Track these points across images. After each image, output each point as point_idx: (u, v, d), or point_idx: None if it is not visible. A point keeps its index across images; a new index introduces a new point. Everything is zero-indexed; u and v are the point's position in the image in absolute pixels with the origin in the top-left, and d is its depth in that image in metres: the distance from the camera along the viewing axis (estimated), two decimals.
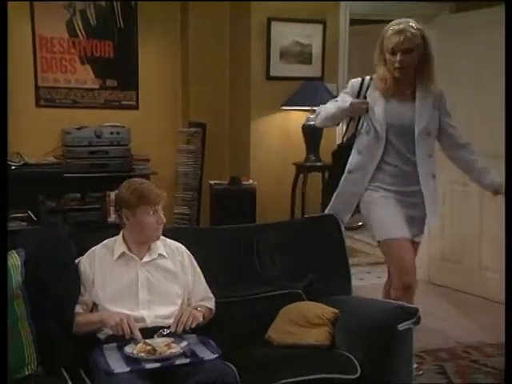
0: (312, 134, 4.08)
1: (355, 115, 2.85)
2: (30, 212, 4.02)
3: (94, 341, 2.25)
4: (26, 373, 2.14)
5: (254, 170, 4.24)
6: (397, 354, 2.28)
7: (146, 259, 2.38)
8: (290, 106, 4.09)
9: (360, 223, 7.21)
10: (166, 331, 2.20)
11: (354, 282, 4.85)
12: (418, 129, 2.74)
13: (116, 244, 2.40)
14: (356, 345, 2.32)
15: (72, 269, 2.35)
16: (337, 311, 2.47)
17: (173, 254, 2.45)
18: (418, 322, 2.29)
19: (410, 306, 2.34)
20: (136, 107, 4.48)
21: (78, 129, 4.07)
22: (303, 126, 4.10)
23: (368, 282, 5.04)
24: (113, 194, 4.22)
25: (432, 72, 2.74)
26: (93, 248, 2.40)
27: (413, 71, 2.73)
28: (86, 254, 2.39)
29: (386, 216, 2.81)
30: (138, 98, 4.48)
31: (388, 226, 2.80)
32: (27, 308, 2.20)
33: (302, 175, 4.11)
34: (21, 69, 4.13)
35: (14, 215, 3.97)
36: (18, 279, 2.18)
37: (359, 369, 2.22)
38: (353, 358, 2.26)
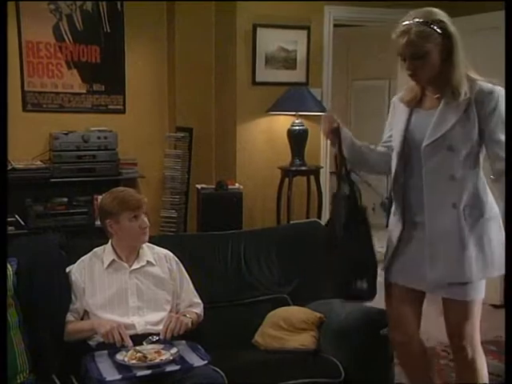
0: (297, 139, 4.15)
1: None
2: (17, 216, 4.04)
3: (85, 348, 2.30)
4: (18, 381, 2.18)
5: (240, 174, 4.30)
6: (379, 357, 2.36)
7: (134, 266, 2.44)
8: (275, 111, 4.16)
9: None
10: (154, 338, 2.26)
11: None
12: (427, 140, 2.07)
13: (105, 252, 2.45)
14: (340, 349, 2.40)
15: (63, 278, 2.40)
16: (322, 316, 2.54)
17: (161, 260, 2.51)
18: None
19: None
20: (123, 111, 4.51)
21: (66, 134, 4.10)
22: (288, 130, 4.17)
23: None
24: (100, 198, 4.27)
25: (458, 73, 2.03)
26: (83, 257, 2.45)
27: (436, 74, 2.07)
28: (77, 264, 2.44)
29: None
30: (124, 102, 4.51)
31: None
32: (19, 317, 2.25)
33: (287, 179, 4.18)
34: (8, 73, 4.13)
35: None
36: (10, 288, 2.23)
37: (343, 373, 2.30)
38: (337, 362, 2.35)
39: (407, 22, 2.01)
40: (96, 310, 2.34)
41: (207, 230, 3.67)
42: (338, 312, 2.53)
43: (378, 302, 2.30)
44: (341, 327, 2.45)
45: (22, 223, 4.05)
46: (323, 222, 4.60)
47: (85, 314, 2.40)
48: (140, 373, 2.06)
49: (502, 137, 1.98)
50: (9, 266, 2.27)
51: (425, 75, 2.06)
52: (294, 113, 4.14)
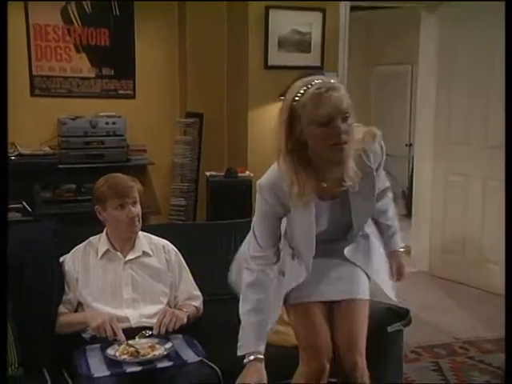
0: None
1: None
2: (24, 203, 3.98)
3: (79, 341, 2.20)
4: (7, 374, 2.11)
5: (251, 162, 4.16)
6: (386, 354, 2.23)
7: (129, 257, 2.33)
8: None
9: None
10: (148, 333, 2.16)
11: None
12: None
13: (100, 242, 2.35)
14: None
15: (56, 267, 2.31)
16: None
17: (158, 251, 2.40)
18: (408, 324, 2.23)
19: (401, 307, 2.28)
20: (133, 96, 4.42)
21: (73, 119, 4.02)
22: None
23: None
24: None
25: None
26: (77, 247, 2.36)
27: None
28: (71, 253, 2.34)
29: None
30: (134, 87, 4.41)
31: None
32: (9, 308, 2.16)
33: None
34: (15, 57, 4.04)
35: (8, 206, 3.93)
36: None
37: None
38: None
39: (328, 81, 1.71)
40: (89, 301, 2.25)
41: (216, 218, 3.57)
42: None
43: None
44: None
45: (30, 210, 3.99)
46: None
47: (79, 306, 2.30)
48: (130, 369, 1.96)
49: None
50: None
51: (351, 142, 1.73)
52: None
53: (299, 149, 1.72)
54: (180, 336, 2.21)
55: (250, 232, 1.97)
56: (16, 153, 3.89)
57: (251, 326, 1.88)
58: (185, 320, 2.23)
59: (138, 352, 2.02)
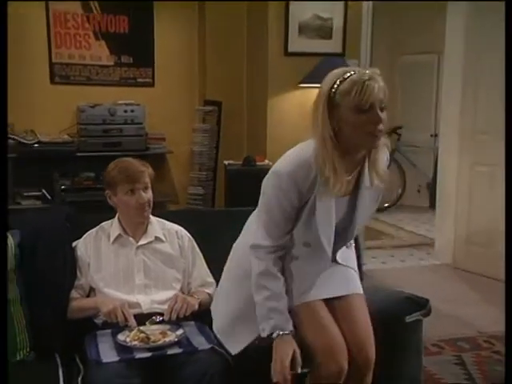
0: None
1: None
2: (44, 191, 3.99)
3: (91, 326, 2.18)
4: (18, 358, 2.08)
5: (271, 150, 4.10)
6: (405, 346, 2.16)
7: (141, 242, 2.30)
8: (308, 82, 3.92)
9: (386, 205, 7.12)
10: (158, 318, 2.13)
11: (376, 266, 4.83)
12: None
13: (112, 227, 2.32)
14: None
15: (68, 252, 2.28)
16: None
17: (171, 236, 2.36)
18: (428, 314, 2.15)
19: (421, 296, 2.20)
20: (152, 85, 4.39)
21: (92, 106, 4.01)
22: None
23: (391, 265, 4.91)
24: None
25: None
26: (89, 231, 2.33)
27: None
28: (83, 238, 2.32)
29: None
30: (153, 75, 4.38)
31: None
32: (21, 292, 2.15)
33: None
34: (35, 44, 4.08)
35: (28, 193, 3.96)
36: (11, 261, 2.12)
37: None
38: None
39: (367, 71, 1.73)
40: (101, 286, 2.22)
41: (234, 207, 3.51)
42: None
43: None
44: None
45: (49, 198, 4.00)
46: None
47: (91, 291, 2.28)
48: (139, 355, 1.92)
49: None
50: (10, 237, 2.17)
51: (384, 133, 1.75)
52: None
53: (334, 138, 1.72)
54: (192, 323, 2.17)
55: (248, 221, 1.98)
56: (35, 140, 3.88)
57: (273, 310, 1.84)
58: (196, 307, 2.19)
59: (148, 338, 1.99)
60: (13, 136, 3.86)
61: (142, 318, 2.13)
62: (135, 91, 4.31)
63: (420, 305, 2.15)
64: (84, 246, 2.29)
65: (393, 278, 4.41)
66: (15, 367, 2.02)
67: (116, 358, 1.90)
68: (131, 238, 2.30)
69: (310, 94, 4.09)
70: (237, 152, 4.18)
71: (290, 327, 1.84)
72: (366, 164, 1.81)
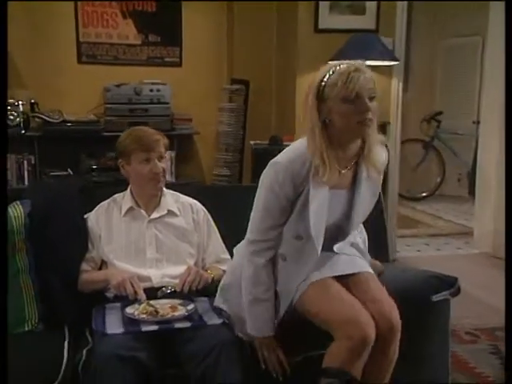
0: None
1: None
2: (70, 170, 3.95)
3: (102, 300, 2.11)
4: (26, 328, 2.03)
5: (300, 130, 3.97)
6: (431, 326, 2.01)
7: (154, 216, 2.21)
8: (338, 59, 3.74)
9: (424, 194, 6.89)
10: (169, 289, 2.04)
11: (411, 254, 4.66)
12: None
13: (124, 199, 2.25)
14: None
15: (80, 224, 2.22)
16: None
17: (186, 210, 2.27)
18: (456, 294, 2.00)
19: (448, 274, 2.05)
20: (179, 64, 4.30)
21: (118, 86, 3.95)
22: None
23: (425, 253, 4.73)
24: None
25: None
26: (101, 203, 2.26)
27: None
28: (95, 210, 2.25)
29: None
30: (181, 54, 4.29)
31: None
32: (30, 262, 2.09)
33: None
34: (63, 24, 4.05)
35: (54, 173, 3.93)
36: (20, 231, 2.07)
37: None
38: None
39: (354, 62, 1.77)
40: (111, 258, 2.15)
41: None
42: (387, 277, 2.18)
43: None
44: (389, 291, 2.09)
45: None
46: (390, 184, 4.22)
47: (103, 265, 2.21)
48: (146, 328, 1.84)
49: None
50: (20, 207, 2.12)
51: (374, 122, 1.78)
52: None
53: (325, 129, 1.77)
54: (206, 299, 2.08)
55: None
56: (61, 119, 3.85)
57: (262, 313, 1.85)
58: (209, 280, 2.10)
59: (157, 312, 1.91)
60: (38, 114, 3.84)
61: (153, 292, 2.06)
62: (162, 71, 4.23)
63: (448, 284, 2.00)
64: (95, 217, 2.22)
65: (427, 264, 4.20)
66: (22, 338, 1.98)
67: (121, 330, 1.83)
68: (143, 211, 2.22)
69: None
70: (264, 132, 4.05)
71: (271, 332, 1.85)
72: (362, 157, 1.83)
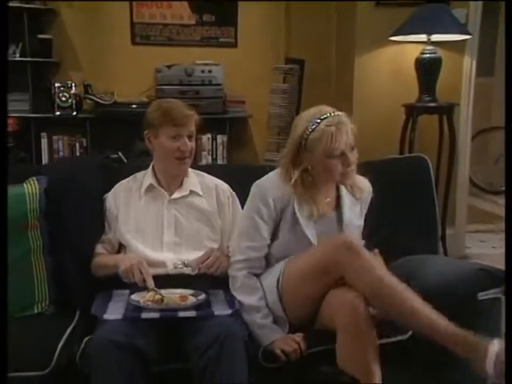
0: (426, 69, 3.42)
1: None
2: (120, 153, 3.90)
3: (120, 285, 1.96)
4: (36, 311, 1.95)
5: (357, 112, 3.70)
6: (477, 331, 1.71)
7: (175, 196, 2.06)
8: (402, 34, 3.43)
9: (503, 188, 6.36)
10: (181, 265, 1.92)
11: (484, 250, 4.26)
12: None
13: (145, 176, 2.10)
14: None
15: (98, 203, 2.11)
16: None
17: (210, 191, 2.10)
18: None
19: (499, 268, 1.75)
20: (234, 45, 4.13)
21: (169, 67, 3.84)
22: (417, 59, 3.45)
23: (499, 250, 4.31)
24: (204, 138, 3.99)
25: None
26: (121, 181, 2.13)
27: None
28: (113, 188, 2.12)
29: None
30: (236, 34, 4.12)
31: None
32: (44, 241, 2.00)
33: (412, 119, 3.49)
34: (117, 4, 3.98)
35: (106, 156, 3.88)
36: (34, 208, 1.97)
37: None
38: None
39: (335, 114, 1.85)
40: (128, 238, 2.02)
41: None
42: (428, 269, 1.92)
43: None
44: (428, 287, 1.83)
45: (125, 160, 3.90)
46: (459, 174, 3.86)
47: (122, 249, 2.08)
48: (146, 315, 1.69)
49: None
50: (36, 183, 2.03)
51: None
52: (425, 36, 3.41)
53: (305, 173, 1.88)
54: (220, 291, 1.91)
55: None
56: (112, 101, 3.80)
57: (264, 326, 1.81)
58: (226, 270, 1.93)
59: (162, 300, 1.75)
60: (90, 96, 3.80)
61: (167, 279, 1.90)
62: (217, 52, 4.08)
63: (499, 279, 1.70)
64: (113, 197, 2.10)
65: (501, 263, 3.84)
66: (28, 320, 1.89)
67: (119, 316, 1.68)
68: (164, 191, 2.06)
69: (403, 49, 3.64)
70: None
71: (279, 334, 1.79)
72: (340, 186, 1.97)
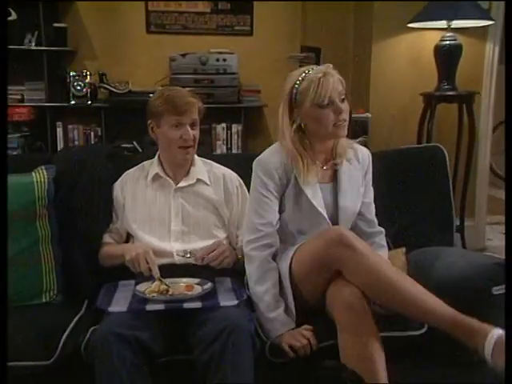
0: (446, 57, 3.33)
1: None
2: (135, 143, 3.88)
3: (129, 276, 1.95)
4: (43, 300, 1.94)
5: (374, 102, 3.64)
6: (492, 324, 1.66)
7: (181, 184, 2.03)
8: (421, 21, 3.35)
9: None
10: (187, 254, 1.89)
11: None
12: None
13: (152, 166, 2.08)
14: None
15: (106, 193, 2.09)
16: None
17: (217, 181, 2.07)
18: None
19: None
20: (250, 33, 4.07)
21: (183, 55, 3.80)
22: (436, 46, 3.36)
23: None
24: (219, 128, 3.95)
25: None
26: (128, 171, 2.11)
27: None
28: (121, 178, 2.11)
29: None
30: (252, 22, 4.05)
31: None
32: (53, 230, 1.99)
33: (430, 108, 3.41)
34: None
35: (119, 145, 3.87)
36: (43, 197, 1.96)
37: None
38: None
39: (321, 67, 1.87)
40: (135, 229, 2.00)
41: None
42: (444, 260, 1.87)
43: None
44: (441, 281, 1.78)
45: (140, 150, 3.88)
46: (479, 164, 3.77)
47: (130, 239, 2.06)
48: (151, 307, 1.66)
49: None
50: (44, 172, 2.01)
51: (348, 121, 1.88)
52: (445, 23, 3.32)
53: (299, 132, 1.86)
54: (228, 279, 1.88)
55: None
56: (126, 90, 3.78)
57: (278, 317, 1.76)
58: (231, 265, 1.91)
59: (168, 290, 1.72)
60: (104, 85, 3.79)
61: (174, 269, 1.89)
62: (232, 40, 4.02)
63: None
64: (120, 186, 2.08)
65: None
66: (36, 309, 1.89)
67: (124, 308, 1.66)
68: (170, 180, 2.04)
69: (422, 36, 3.55)
70: None
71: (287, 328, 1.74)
72: (338, 154, 1.93)
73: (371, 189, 2.01)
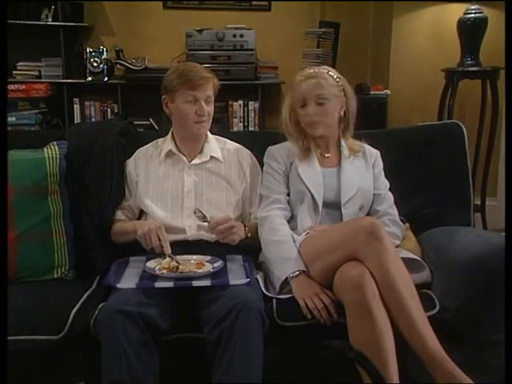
0: (470, 30, 3.22)
1: None
2: (151, 120, 3.86)
3: (142, 252, 1.93)
4: (55, 275, 1.94)
5: (394, 78, 3.56)
6: (498, 298, 1.62)
7: (195, 161, 2.01)
8: None
9: None
10: (201, 214, 1.85)
11: None
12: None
13: (165, 142, 2.05)
14: (454, 286, 1.72)
15: (118, 169, 2.07)
16: None
17: (231, 158, 2.04)
18: None
19: None
20: (268, 8, 3.99)
21: (199, 31, 3.75)
22: (459, 20, 3.26)
23: None
24: (236, 105, 3.91)
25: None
26: (141, 148, 2.09)
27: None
28: (134, 154, 2.09)
29: None
30: None
31: None
32: (64, 206, 1.98)
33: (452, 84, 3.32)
34: None
35: (136, 122, 3.85)
36: (54, 173, 1.96)
37: (438, 305, 1.69)
38: (431, 293, 1.76)
39: (312, 70, 1.99)
40: (148, 206, 1.98)
41: None
42: (459, 240, 1.83)
43: None
44: (456, 259, 1.74)
45: (156, 127, 3.86)
46: (503, 142, 3.67)
47: (142, 216, 2.05)
48: (159, 284, 1.65)
49: None
50: (56, 148, 2.01)
51: (327, 122, 1.98)
52: None
53: (298, 125, 2.02)
54: (239, 256, 1.86)
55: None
56: (143, 66, 3.75)
57: (289, 251, 1.82)
58: (236, 242, 1.87)
59: (178, 267, 1.71)
60: (121, 61, 3.76)
61: (186, 246, 1.87)
62: (249, 16, 3.96)
63: None
64: (134, 163, 2.07)
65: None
66: (47, 284, 1.89)
67: (132, 285, 1.65)
68: (183, 157, 2.01)
69: (444, 9, 3.45)
70: (354, 81, 3.67)
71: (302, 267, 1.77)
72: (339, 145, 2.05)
73: (384, 181, 2.03)
